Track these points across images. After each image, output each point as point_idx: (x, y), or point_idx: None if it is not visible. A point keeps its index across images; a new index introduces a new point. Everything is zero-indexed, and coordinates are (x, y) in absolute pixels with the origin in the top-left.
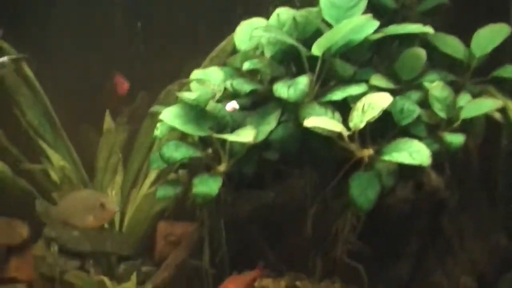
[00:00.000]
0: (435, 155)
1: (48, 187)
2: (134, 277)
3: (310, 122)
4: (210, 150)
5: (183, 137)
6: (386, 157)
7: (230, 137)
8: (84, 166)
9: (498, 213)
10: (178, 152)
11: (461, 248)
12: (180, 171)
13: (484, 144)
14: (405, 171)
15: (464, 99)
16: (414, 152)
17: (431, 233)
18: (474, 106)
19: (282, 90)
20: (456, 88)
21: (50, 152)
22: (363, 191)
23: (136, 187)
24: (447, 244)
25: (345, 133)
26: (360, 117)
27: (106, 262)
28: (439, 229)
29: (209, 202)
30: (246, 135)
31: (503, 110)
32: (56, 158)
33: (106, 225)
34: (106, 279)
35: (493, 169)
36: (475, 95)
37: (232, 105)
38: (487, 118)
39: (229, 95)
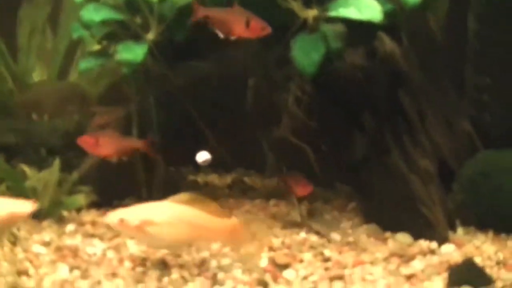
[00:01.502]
0: (388, 16)
1: None
2: (57, 164)
3: None
4: (138, 18)
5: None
6: (333, 13)
7: None
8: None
9: (464, 99)
10: (98, 15)
11: (422, 130)
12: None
13: (449, 26)
14: (355, 35)
15: None
16: (364, 8)
17: (389, 111)
18: None
19: None
20: None
21: None
22: (307, 53)
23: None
24: (406, 125)
25: None
26: None
27: (35, 154)
28: (398, 107)
29: (136, 73)
30: None
31: None
32: None
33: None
34: (27, 168)
35: (460, 55)
36: None
37: (204, 156)
38: None
39: None
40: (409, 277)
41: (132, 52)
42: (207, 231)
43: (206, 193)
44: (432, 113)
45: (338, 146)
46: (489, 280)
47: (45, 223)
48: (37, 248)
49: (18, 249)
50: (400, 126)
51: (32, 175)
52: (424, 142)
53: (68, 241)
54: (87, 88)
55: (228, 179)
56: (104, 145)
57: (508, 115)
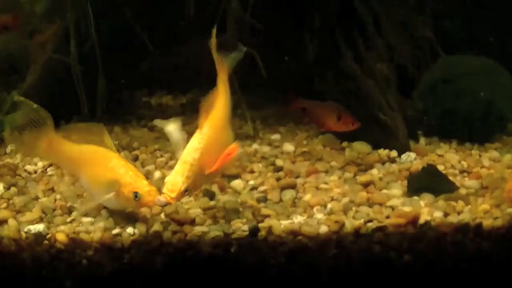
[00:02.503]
0: None
1: None
2: None
3: None
4: None
5: None
6: None
7: None
8: None
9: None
10: None
11: (376, 33)
12: None
13: None
14: None
15: None
16: None
17: (340, 12)
18: None
19: None
20: None
21: None
22: None
23: None
24: (359, 27)
25: None
26: None
27: None
28: (349, 9)
29: None
30: None
31: None
32: None
33: None
34: None
35: None
36: None
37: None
38: None
39: None
40: (366, 185)
41: None
42: None
43: (157, 113)
44: (389, 18)
45: (287, 51)
46: (451, 187)
47: None
48: None
49: None
50: (353, 28)
51: None
52: (380, 46)
53: (8, 161)
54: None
55: (183, 99)
56: None
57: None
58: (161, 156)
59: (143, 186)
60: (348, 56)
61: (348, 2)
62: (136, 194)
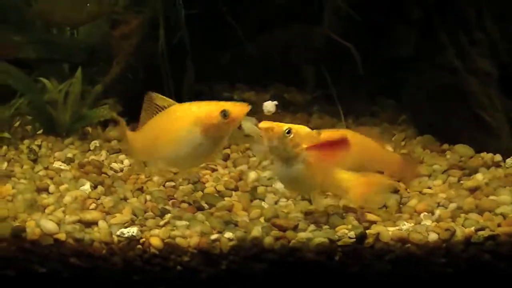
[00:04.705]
0: None
1: None
2: (78, 76)
3: None
4: None
5: None
6: None
7: None
8: None
9: None
10: None
11: (478, 25)
12: None
13: None
14: None
15: None
16: None
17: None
18: None
19: None
20: None
21: None
22: None
23: None
24: (460, 19)
25: None
26: None
27: (57, 70)
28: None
29: None
30: None
31: None
32: None
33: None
34: (46, 81)
35: None
36: None
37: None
38: None
39: None
40: (472, 190)
41: None
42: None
43: None
44: (489, 8)
45: (382, 43)
46: None
47: (68, 140)
48: (58, 165)
49: (38, 167)
50: (454, 20)
51: (52, 88)
52: (483, 40)
53: (93, 158)
54: None
55: (267, 96)
56: None
57: None
58: (254, 155)
59: (226, 104)
60: (450, 51)
61: None
62: (224, 112)
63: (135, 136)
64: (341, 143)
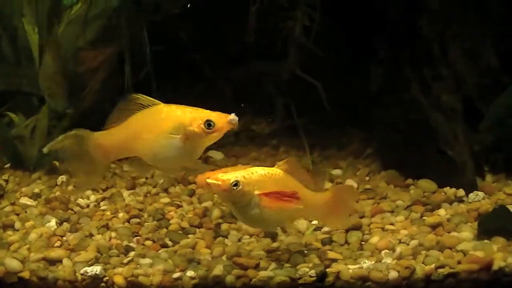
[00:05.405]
0: None
1: None
2: (45, 111)
3: None
4: None
5: None
6: None
7: None
8: None
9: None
10: None
11: (443, 60)
12: None
13: None
14: None
15: None
16: None
17: (406, 37)
18: None
19: None
20: None
21: None
22: None
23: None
24: (425, 52)
25: None
26: None
27: (25, 103)
28: (416, 34)
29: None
30: None
31: None
32: None
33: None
34: (13, 115)
35: None
36: None
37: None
38: None
39: None
40: (434, 227)
41: None
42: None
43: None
44: (455, 44)
45: (350, 79)
46: None
47: (35, 174)
48: (25, 200)
49: (5, 202)
50: (419, 55)
51: (19, 122)
52: (447, 75)
53: (58, 194)
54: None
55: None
56: None
57: None
58: None
59: (212, 114)
60: (414, 86)
61: (414, 25)
62: (209, 122)
63: (106, 134)
64: (292, 197)
